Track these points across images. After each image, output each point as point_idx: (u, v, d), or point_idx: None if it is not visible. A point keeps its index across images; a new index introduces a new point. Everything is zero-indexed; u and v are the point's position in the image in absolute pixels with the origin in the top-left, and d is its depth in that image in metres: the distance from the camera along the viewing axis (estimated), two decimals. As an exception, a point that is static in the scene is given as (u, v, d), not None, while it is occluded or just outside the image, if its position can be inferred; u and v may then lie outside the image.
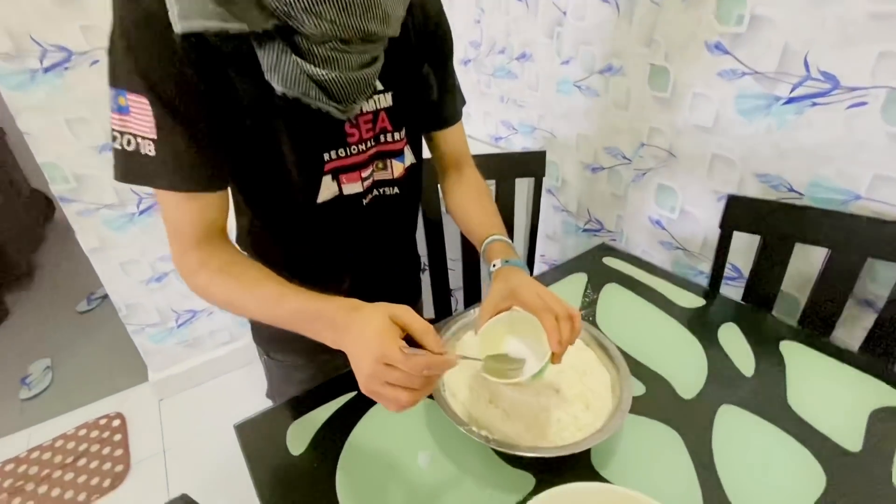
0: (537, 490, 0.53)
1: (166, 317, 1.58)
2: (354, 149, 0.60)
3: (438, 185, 0.83)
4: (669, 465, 0.56)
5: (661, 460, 0.57)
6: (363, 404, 0.65)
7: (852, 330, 0.88)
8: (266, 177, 0.59)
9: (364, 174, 0.63)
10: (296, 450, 0.60)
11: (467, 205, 0.75)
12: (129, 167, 0.49)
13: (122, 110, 0.47)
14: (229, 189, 0.57)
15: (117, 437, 1.58)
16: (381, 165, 0.65)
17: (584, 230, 1.45)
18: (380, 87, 0.60)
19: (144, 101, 0.46)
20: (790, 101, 0.86)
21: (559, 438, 0.54)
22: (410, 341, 0.45)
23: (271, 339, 0.77)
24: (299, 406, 0.66)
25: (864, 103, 0.77)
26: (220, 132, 0.51)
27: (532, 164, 1.15)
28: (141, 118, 0.47)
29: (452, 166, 0.79)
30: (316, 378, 0.76)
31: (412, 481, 0.55)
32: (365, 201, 0.65)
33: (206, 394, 1.72)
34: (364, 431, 0.62)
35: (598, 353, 0.67)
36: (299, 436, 0.62)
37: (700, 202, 1.09)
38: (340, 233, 0.67)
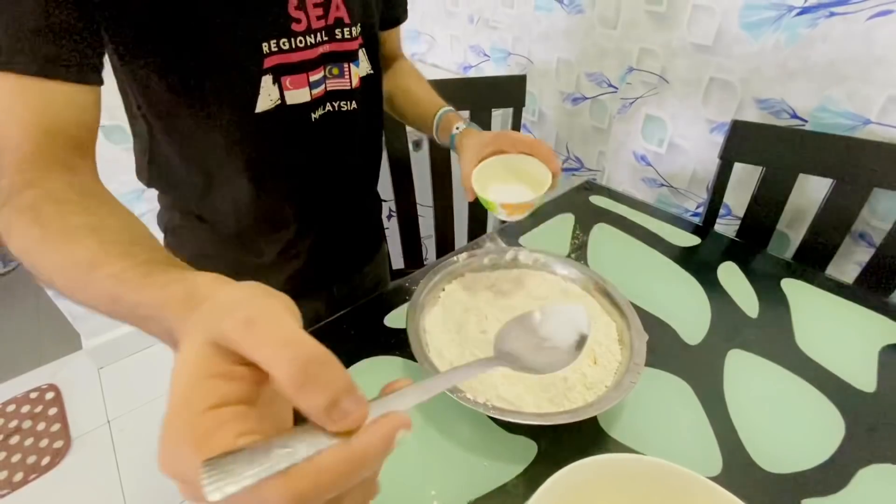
0: (540, 458, 0.46)
1: (94, 277, 1.38)
2: (301, 41, 0.47)
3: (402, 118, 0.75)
4: (682, 419, 0.51)
5: (673, 414, 0.51)
6: (330, 371, 0.55)
7: (845, 265, 0.85)
8: (187, 77, 0.44)
9: (313, 78, 0.50)
10: (250, 430, 0.50)
11: (409, 85, 0.70)
12: None
13: None
14: (104, 95, 0.39)
15: (52, 410, 1.43)
16: (335, 71, 0.52)
17: (563, 169, 1.35)
18: None
19: None
20: (804, 11, 0.76)
21: (567, 401, 0.46)
22: None
23: None
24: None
25: (888, 11, 0.68)
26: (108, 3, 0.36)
27: (510, 90, 1.02)
28: None
29: (388, 65, 0.73)
30: None
31: (393, 457, 0.46)
32: (314, 115, 0.52)
33: (152, 359, 1.57)
34: (333, 403, 0.52)
35: (600, 301, 0.59)
36: (254, 413, 0.51)
37: (691, 134, 1.00)
38: (283, 158, 0.53)
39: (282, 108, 0.49)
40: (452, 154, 1.02)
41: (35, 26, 0.33)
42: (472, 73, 1.52)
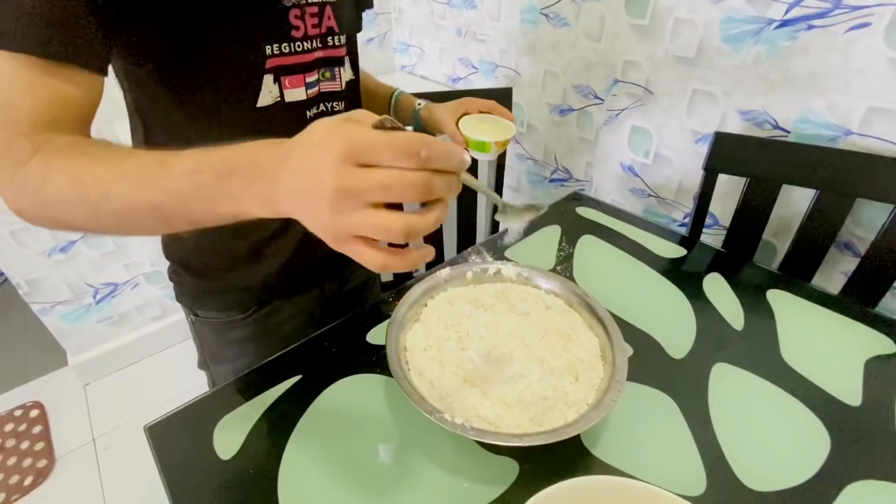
0: (522, 478, 0.45)
1: (80, 292, 1.37)
2: (299, 45, 0.52)
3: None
4: (666, 435, 0.50)
5: (657, 430, 0.51)
6: (309, 390, 0.54)
7: (831, 275, 0.85)
8: (195, 74, 0.48)
9: (308, 79, 0.55)
10: (225, 453, 0.48)
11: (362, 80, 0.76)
12: None
13: None
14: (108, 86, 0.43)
15: (37, 428, 1.40)
16: (328, 74, 0.58)
17: (552, 180, 1.36)
18: None
19: None
20: (783, 24, 0.77)
21: (547, 419, 0.46)
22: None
23: (198, 293, 0.65)
24: (229, 398, 0.54)
25: (866, 24, 0.69)
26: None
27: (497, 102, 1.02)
28: None
29: None
30: (253, 339, 0.67)
31: (372, 479, 0.46)
32: (309, 113, 0.57)
33: (139, 374, 1.54)
34: (311, 424, 0.51)
35: (583, 316, 0.58)
36: (229, 435, 0.50)
37: (676, 145, 1.01)
38: None
39: (280, 104, 0.53)
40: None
41: (49, 15, 0.35)
42: (460, 85, 1.53)
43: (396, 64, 1.78)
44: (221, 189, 0.32)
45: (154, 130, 0.53)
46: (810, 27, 0.74)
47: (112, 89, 0.51)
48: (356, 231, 0.29)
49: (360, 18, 0.70)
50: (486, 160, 0.78)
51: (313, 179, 0.28)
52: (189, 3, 0.43)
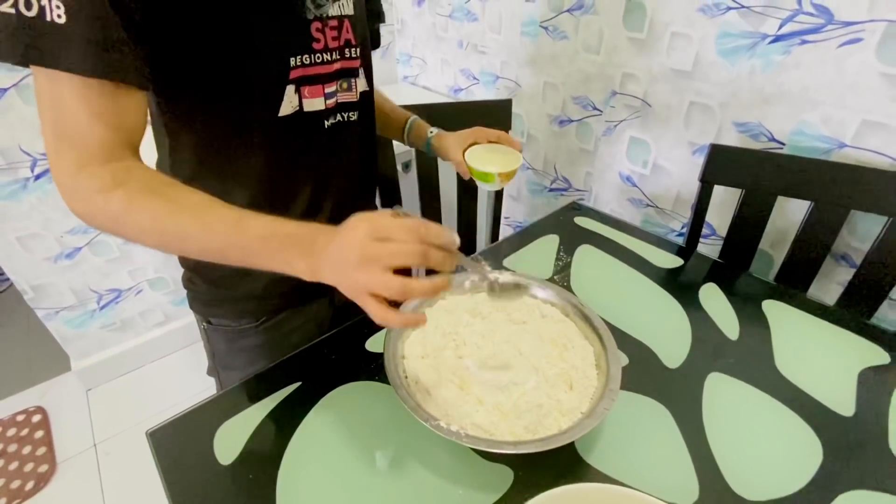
0: (517, 485, 0.46)
1: (85, 298, 1.38)
2: (319, 57, 0.54)
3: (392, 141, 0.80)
4: (659, 444, 0.50)
5: (651, 439, 0.51)
6: (308, 396, 0.55)
7: (827, 286, 0.86)
8: (223, 86, 0.50)
9: (328, 89, 0.57)
10: (225, 458, 0.49)
11: (377, 99, 0.77)
12: (22, 38, 0.36)
13: None
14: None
15: (39, 433, 1.41)
16: (344, 85, 0.59)
17: (551, 189, 1.37)
18: None
19: None
20: (777, 39, 0.78)
21: (541, 427, 0.46)
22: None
23: (212, 301, 0.66)
24: (229, 404, 0.55)
25: (858, 40, 0.70)
26: (160, 17, 0.41)
27: (497, 114, 1.04)
28: None
29: None
30: (264, 347, 0.68)
31: (369, 486, 0.46)
32: (327, 123, 0.59)
33: (141, 380, 1.55)
34: (309, 431, 0.52)
35: (579, 325, 0.59)
36: (229, 441, 0.51)
37: (674, 155, 1.02)
38: (295, 160, 0.59)
39: (300, 114, 0.55)
40: (441, 175, 1.04)
41: (102, 39, 0.38)
42: (461, 96, 1.55)
43: (399, 74, 1.80)
44: (282, 254, 0.41)
45: (179, 141, 0.54)
46: (803, 42, 0.75)
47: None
48: (369, 288, 0.37)
49: (376, 33, 0.72)
50: (491, 190, 0.78)
51: (348, 250, 0.38)
52: (219, 18, 0.45)
